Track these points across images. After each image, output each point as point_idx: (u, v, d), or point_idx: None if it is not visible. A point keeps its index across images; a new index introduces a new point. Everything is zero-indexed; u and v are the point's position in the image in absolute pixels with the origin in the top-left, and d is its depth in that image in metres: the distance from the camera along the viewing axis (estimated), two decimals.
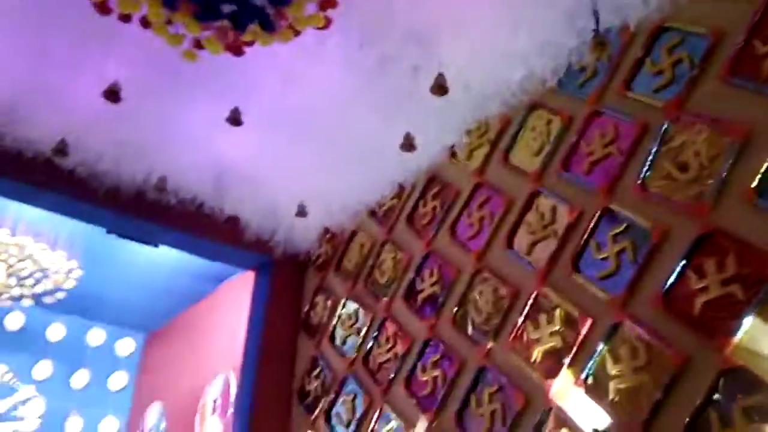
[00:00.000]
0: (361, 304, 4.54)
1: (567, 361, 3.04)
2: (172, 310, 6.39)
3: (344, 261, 4.86)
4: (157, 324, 6.71)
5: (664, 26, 3.04)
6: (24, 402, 5.68)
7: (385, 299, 4.30)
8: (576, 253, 3.12)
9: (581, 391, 2.95)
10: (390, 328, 4.21)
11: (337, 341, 4.64)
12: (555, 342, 3.13)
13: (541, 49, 3.16)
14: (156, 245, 4.96)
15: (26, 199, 4.59)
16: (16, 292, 5.37)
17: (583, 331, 3.01)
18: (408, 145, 3.79)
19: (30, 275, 5.31)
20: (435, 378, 3.72)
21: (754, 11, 2.74)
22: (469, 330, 3.64)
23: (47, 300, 5.49)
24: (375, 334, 4.29)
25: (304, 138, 4.05)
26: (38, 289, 5.41)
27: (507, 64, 3.30)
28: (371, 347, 4.29)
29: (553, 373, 3.10)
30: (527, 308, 3.28)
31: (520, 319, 3.30)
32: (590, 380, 2.93)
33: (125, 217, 4.57)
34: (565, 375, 3.06)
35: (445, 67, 3.26)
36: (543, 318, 3.21)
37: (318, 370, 4.72)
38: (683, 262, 2.67)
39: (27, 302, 5.47)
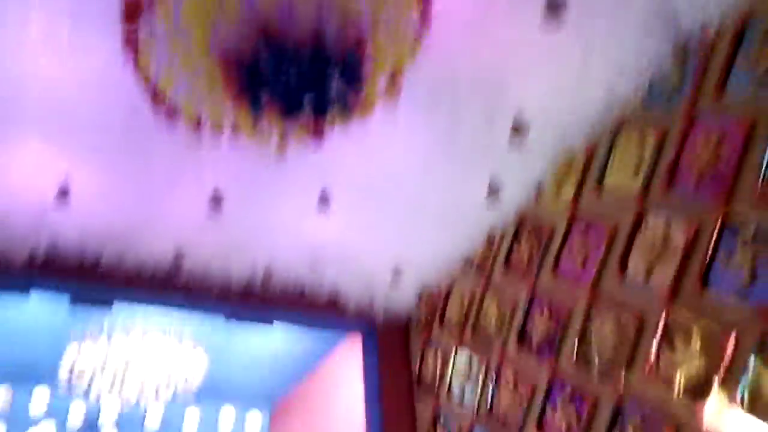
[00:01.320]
0: (474, 351, 4.14)
1: (717, 381, 2.57)
2: (291, 382, 6.15)
3: (446, 316, 4.49)
4: (279, 396, 6.48)
5: (750, 18, 2.62)
6: None
7: (497, 345, 3.90)
8: (702, 269, 2.65)
9: (739, 410, 2.47)
10: (508, 372, 3.78)
11: (456, 393, 4.23)
12: (698, 363, 2.65)
13: (619, 69, 2.79)
14: (271, 322, 4.77)
15: (152, 303, 4.51)
16: (152, 391, 5.25)
17: (729, 347, 2.53)
18: (493, 191, 3.46)
19: (164, 373, 5.20)
20: (568, 419, 3.26)
21: None
22: (596, 364, 3.19)
23: (180, 392, 5.37)
24: (494, 380, 3.87)
25: (389, 206, 3.78)
26: (173, 384, 5.29)
27: (584, 92, 2.94)
28: (493, 395, 3.86)
29: (701, 396, 2.63)
30: (659, 332, 2.81)
31: (654, 346, 2.82)
32: (746, 397, 2.45)
33: (239, 307, 4.46)
34: (717, 396, 2.57)
35: (519, 108, 2.94)
36: (679, 340, 2.73)
37: (441, 425, 4.32)
38: None
39: (165, 397, 5.35)
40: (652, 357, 2.84)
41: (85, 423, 5.88)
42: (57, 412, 5.79)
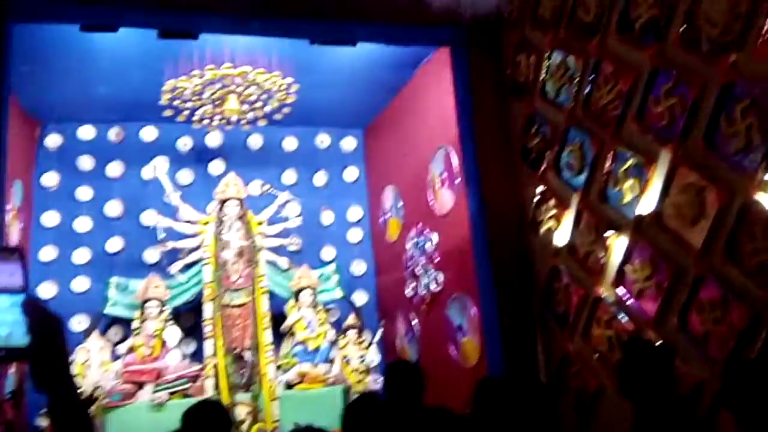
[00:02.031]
0: (569, 50, 3.97)
1: None
2: (382, 103, 6.25)
3: (539, 11, 4.24)
4: (371, 118, 6.65)
5: None
6: (284, 205, 6.04)
7: (595, 38, 3.70)
8: None
9: None
10: (607, 67, 3.65)
11: (550, 94, 4.18)
12: None
13: None
14: (354, 44, 4.70)
15: (238, 30, 4.53)
16: (250, 116, 5.48)
17: None
18: None
19: (258, 99, 5.35)
20: (671, 107, 3.18)
21: None
22: (704, 46, 2.99)
23: (277, 117, 5.58)
24: (591, 77, 3.77)
25: None
26: (267, 109, 5.48)
27: None
28: (590, 92, 3.79)
29: None
30: None
31: None
32: None
33: (324, 24, 4.45)
34: None
35: None
36: None
37: (535, 127, 4.35)
38: None
39: (262, 123, 5.59)
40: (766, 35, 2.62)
41: (192, 152, 6.35)
42: (165, 145, 6.24)
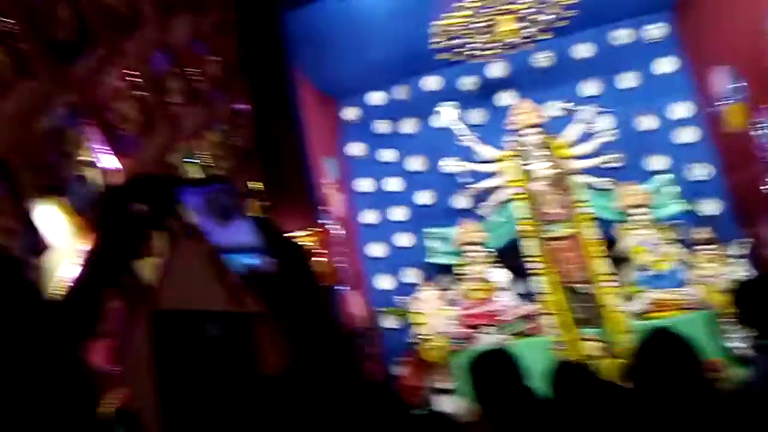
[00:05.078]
0: None
1: None
2: None
3: None
4: None
5: None
6: (589, 120, 5.43)
7: None
8: None
9: None
10: None
11: None
12: None
13: None
14: None
15: None
16: (529, 32, 5.05)
17: None
18: None
19: (533, 10, 4.90)
20: None
21: None
22: None
23: (560, 25, 5.04)
24: None
25: None
26: (546, 19, 4.98)
27: None
28: None
29: None
30: None
31: None
32: None
33: None
34: None
35: None
36: None
37: None
38: None
39: (544, 36, 5.11)
40: None
41: (477, 89, 6.18)
42: (449, 89, 6.16)
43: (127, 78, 3.14)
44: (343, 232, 5.68)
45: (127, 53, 3.18)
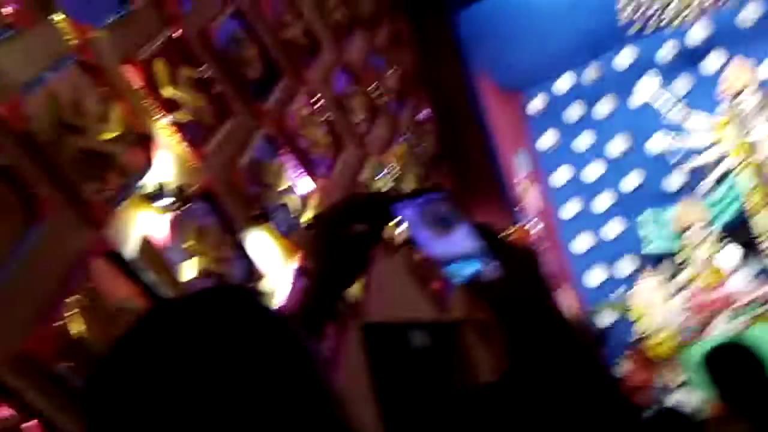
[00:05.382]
0: None
1: None
2: None
3: None
4: None
5: None
6: None
7: None
8: None
9: None
10: None
11: None
12: None
13: None
14: None
15: None
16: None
17: None
18: None
19: None
20: None
21: None
22: None
23: None
24: None
25: None
26: None
27: None
28: None
29: None
30: None
31: None
32: None
33: None
34: None
35: None
36: None
37: None
38: None
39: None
40: None
41: (677, 57, 5.67)
42: (646, 62, 5.70)
43: (312, 103, 3.25)
44: (543, 229, 5.45)
45: (309, 80, 3.31)
